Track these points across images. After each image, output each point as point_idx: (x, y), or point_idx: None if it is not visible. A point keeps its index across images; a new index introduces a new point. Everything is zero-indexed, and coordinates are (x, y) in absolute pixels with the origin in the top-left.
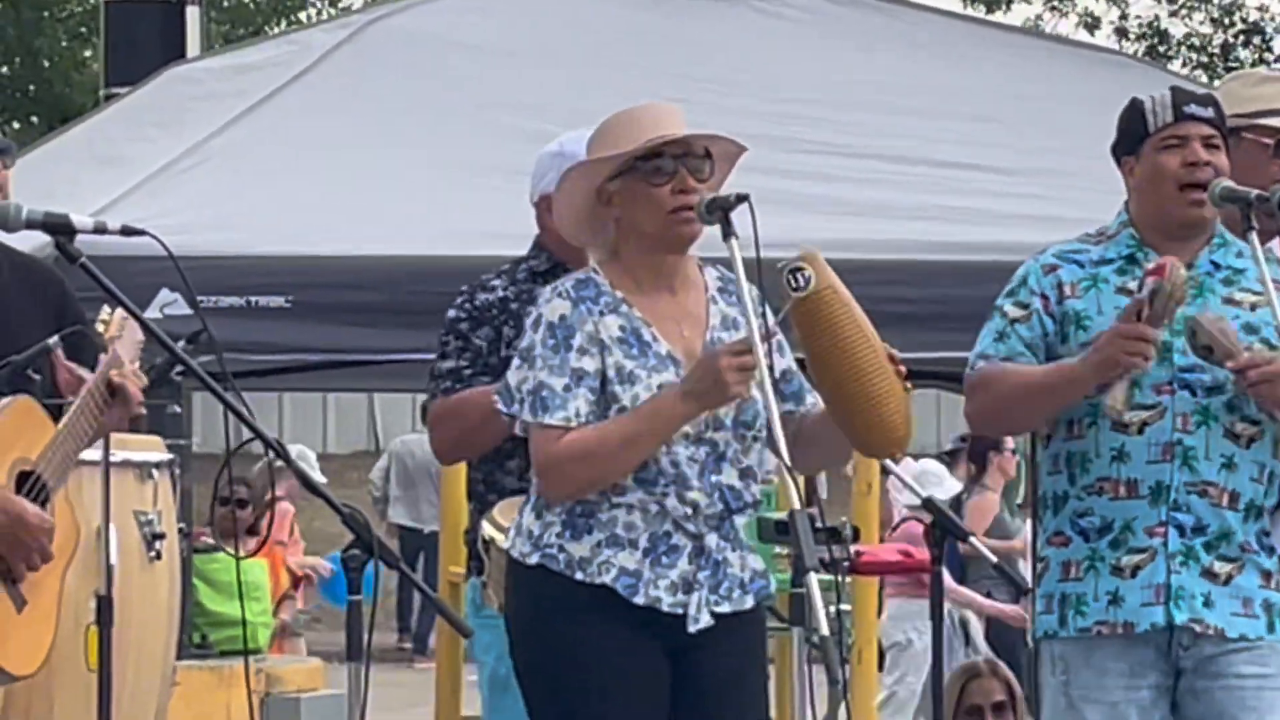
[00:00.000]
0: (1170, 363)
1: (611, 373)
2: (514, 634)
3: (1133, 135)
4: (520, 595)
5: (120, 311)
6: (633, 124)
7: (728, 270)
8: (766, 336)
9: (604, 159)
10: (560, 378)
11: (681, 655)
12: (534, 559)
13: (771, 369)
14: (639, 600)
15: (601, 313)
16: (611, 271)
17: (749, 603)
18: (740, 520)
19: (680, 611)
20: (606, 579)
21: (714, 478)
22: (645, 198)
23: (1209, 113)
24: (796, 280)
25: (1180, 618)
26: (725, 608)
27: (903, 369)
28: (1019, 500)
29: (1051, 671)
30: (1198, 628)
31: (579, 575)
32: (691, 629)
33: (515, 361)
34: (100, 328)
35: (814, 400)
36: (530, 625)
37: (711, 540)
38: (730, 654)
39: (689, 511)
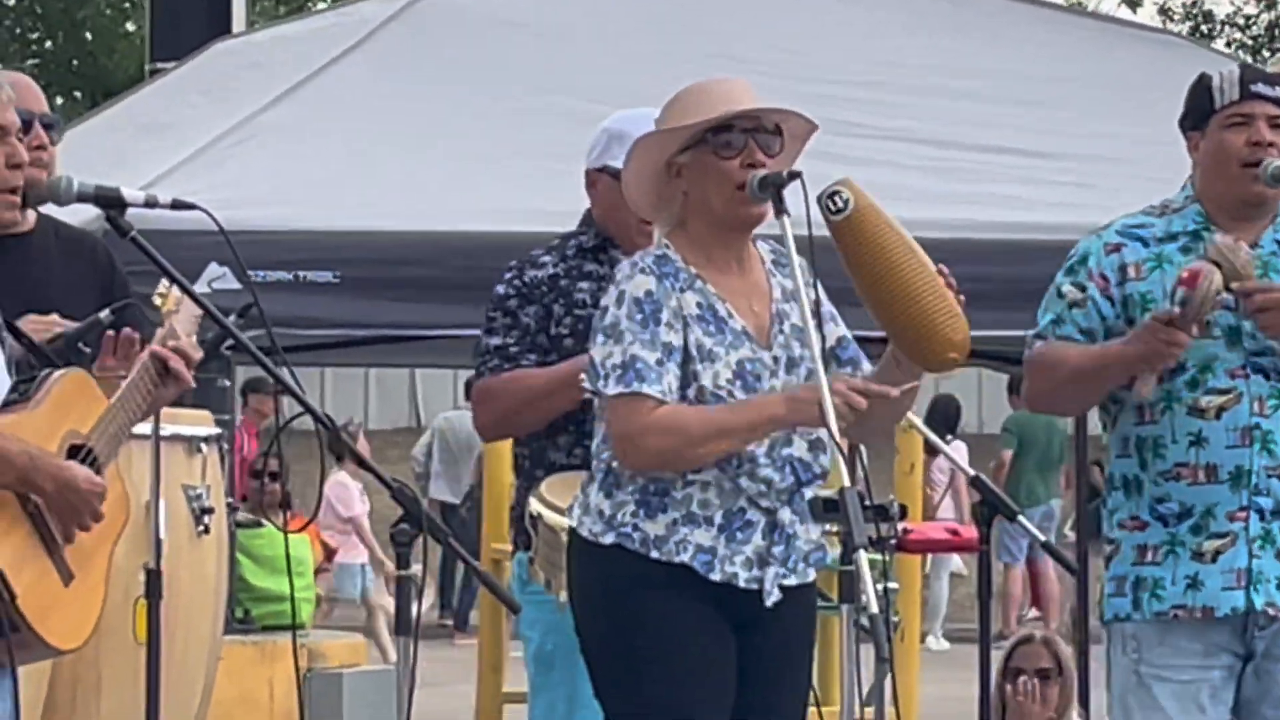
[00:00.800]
0: (1242, 347)
1: (693, 350)
2: (583, 612)
3: (1199, 111)
4: (592, 574)
5: (177, 287)
6: (704, 96)
7: (778, 244)
8: (816, 311)
9: (674, 130)
10: (653, 351)
11: (747, 630)
12: (609, 538)
13: (823, 342)
14: (715, 577)
15: (681, 289)
16: (682, 246)
17: (811, 575)
18: (809, 493)
19: (755, 587)
20: (684, 557)
21: (785, 451)
22: (714, 171)
23: (1277, 92)
24: (835, 203)
25: (1259, 601)
26: (792, 580)
27: (953, 281)
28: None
29: (1122, 650)
30: (1272, 610)
31: (655, 554)
32: (766, 602)
33: (599, 339)
34: (157, 301)
35: (869, 367)
36: (604, 604)
37: (784, 515)
38: (791, 627)
39: (762, 488)
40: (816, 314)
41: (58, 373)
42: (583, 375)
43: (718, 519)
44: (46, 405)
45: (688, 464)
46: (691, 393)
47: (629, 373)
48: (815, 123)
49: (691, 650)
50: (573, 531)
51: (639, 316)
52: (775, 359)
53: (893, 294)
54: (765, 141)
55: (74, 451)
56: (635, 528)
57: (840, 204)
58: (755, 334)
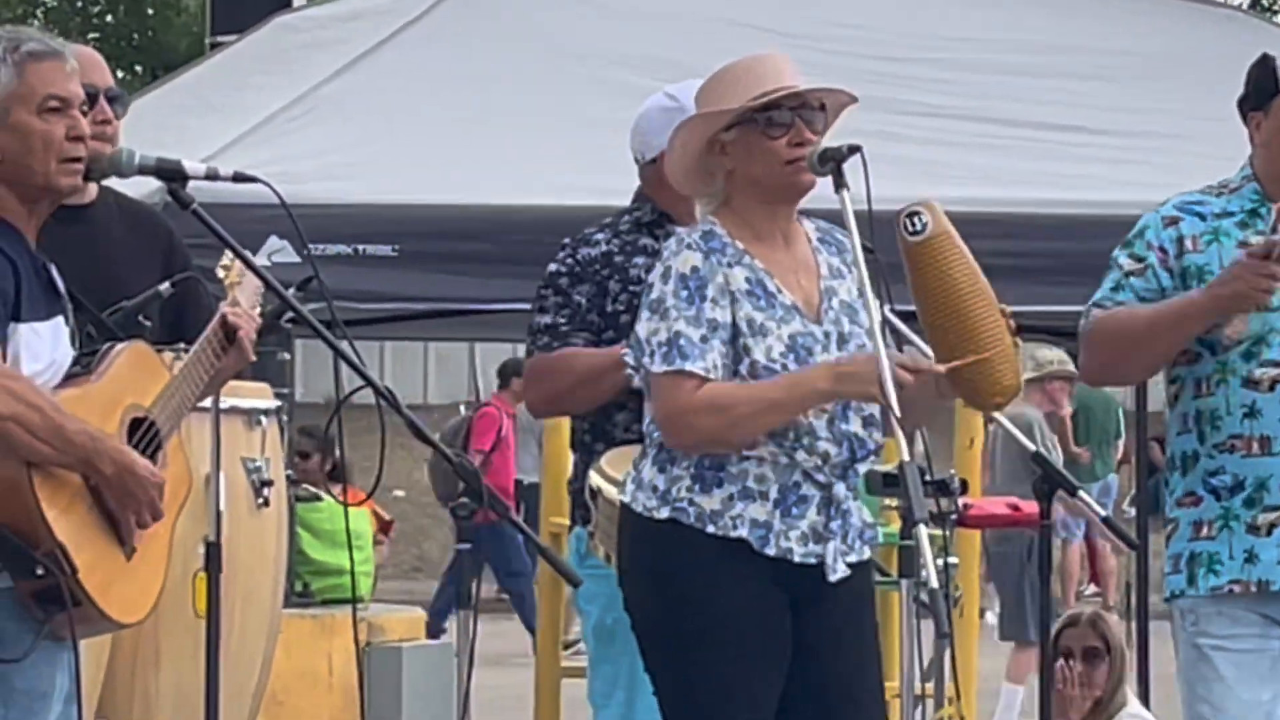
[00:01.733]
0: None
1: (743, 325)
2: (634, 587)
3: (1262, 91)
4: (645, 549)
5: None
6: (748, 74)
7: (825, 221)
8: (879, 293)
9: (721, 111)
10: (697, 328)
11: (804, 607)
12: (663, 513)
13: (885, 320)
14: (770, 552)
15: (729, 265)
16: (728, 222)
17: (867, 552)
18: (862, 469)
19: (813, 561)
20: (740, 532)
21: (842, 426)
22: (761, 149)
23: None
24: (913, 224)
25: None
26: (851, 558)
27: (1013, 323)
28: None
29: (1182, 625)
30: None
31: (710, 528)
32: (831, 578)
33: (644, 315)
34: (221, 274)
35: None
36: (658, 579)
37: (839, 489)
38: (848, 604)
39: (819, 462)
40: (873, 287)
41: (120, 345)
42: (625, 351)
43: (773, 494)
44: (108, 378)
45: (734, 442)
46: (744, 368)
47: (672, 350)
48: (855, 95)
49: (745, 625)
50: (625, 507)
51: (684, 293)
52: (826, 334)
53: (954, 330)
54: (810, 118)
55: (136, 424)
56: (691, 502)
57: (919, 226)
58: (805, 309)
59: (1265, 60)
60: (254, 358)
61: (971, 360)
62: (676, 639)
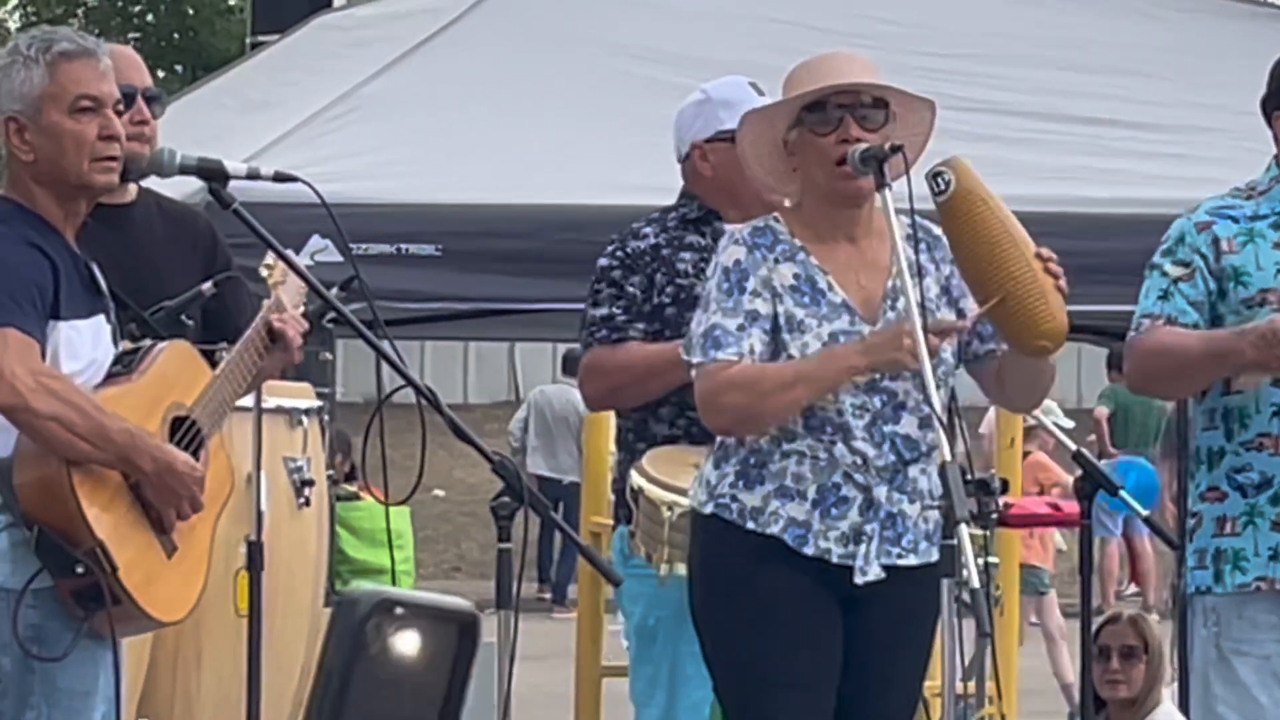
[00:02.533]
0: None
1: (782, 320)
2: (692, 579)
3: None
4: (696, 543)
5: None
6: (809, 73)
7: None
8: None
9: (770, 106)
10: (734, 318)
11: (853, 606)
12: (709, 508)
13: (923, 311)
14: (808, 551)
15: (777, 260)
16: (793, 220)
17: (933, 555)
18: (914, 471)
19: (850, 564)
20: (775, 529)
21: (887, 428)
22: (813, 148)
23: None
24: (938, 184)
25: None
26: (913, 560)
27: (1054, 267)
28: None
29: (1203, 624)
30: None
31: (750, 525)
32: (858, 580)
33: (697, 313)
34: (264, 273)
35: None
36: (706, 572)
37: (881, 492)
38: (908, 607)
39: (858, 461)
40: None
41: (161, 344)
42: (682, 347)
43: (811, 493)
44: (149, 377)
45: (764, 418)
46: (781, 361)
47: (708, 340)
48: (929, 99)
49: (787, 620)
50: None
51: (725, 285)
52: None
53: (987, 276)
54: (864, 115)
55: (178, 423)
56: (734, 498)
57: (942, 185)
58: (860, 307)
59: None
60: (300, 357)
61: (994, 303)
62: (728, 629)
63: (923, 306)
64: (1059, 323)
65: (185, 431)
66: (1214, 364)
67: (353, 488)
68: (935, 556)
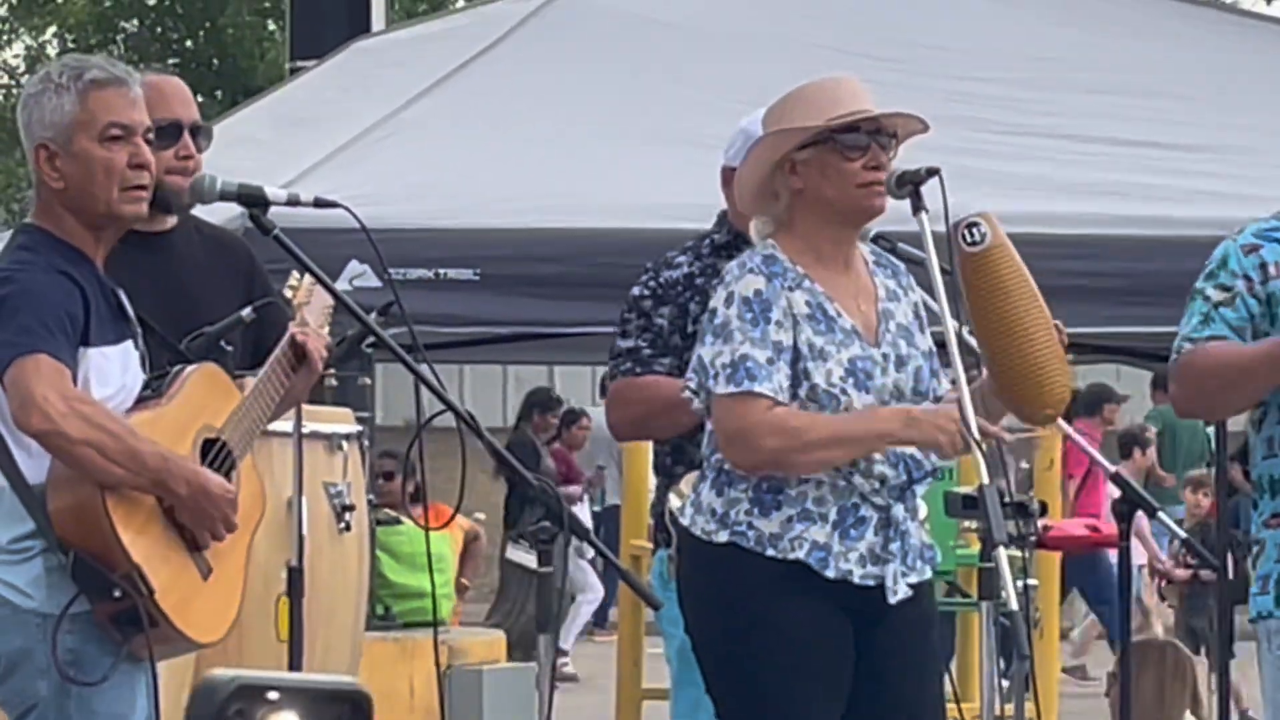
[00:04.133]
0: None
1: (804, 349)
2: (696, 611)
3: None
4: (705, 572)
5: (309, 277)
6: (824, 95)
7: (876, 245)
8: (955, 313)
9: (799, 129)
10: (763, 350)
11: (867, 628)
12: (722, 536)
13: (960, 339)
14: (830, 574)
15: (790, 288)
16: (789, 246)
17: (928, 573)
18: (920, 489)
19: (872, 583)
20: (799, 554)
21: (900, 448)
22: (836, 170)
23: None
24: (972, 235)
25: None
26: (913, 578)
27: (1065, 338)
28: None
29: (1269, 647)
30: None
31: (770, 551)
32: (892, 600)
33: (708, 339)
34: (289, 293)
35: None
36: (719, 603)
37: (898, 511)
38: (912, 625)
39: (877, 485)
40: (950, 309)
41: (190, 368)
42: (689, 375)
43: (832, 515)
44: (179, 400)
45: (796, 468)
46: (803, 391)
47: (739, 371)
48: (928, 124)
49: (808, 648)
50: (684, 531)
51: (749, 315)
52: (885, 356)
53: (1011, 340)
54: (884, 143)
55: (208, 445)
56: (750, 526)
57: (977, 237)
58: (864, 332)
59: None
60: (321, 370)
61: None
62: (739, 662)
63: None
64: (1067, 395)
65: (216, 454)
66: (1268, 372)
67: (416, 511)
68: (930, 574)
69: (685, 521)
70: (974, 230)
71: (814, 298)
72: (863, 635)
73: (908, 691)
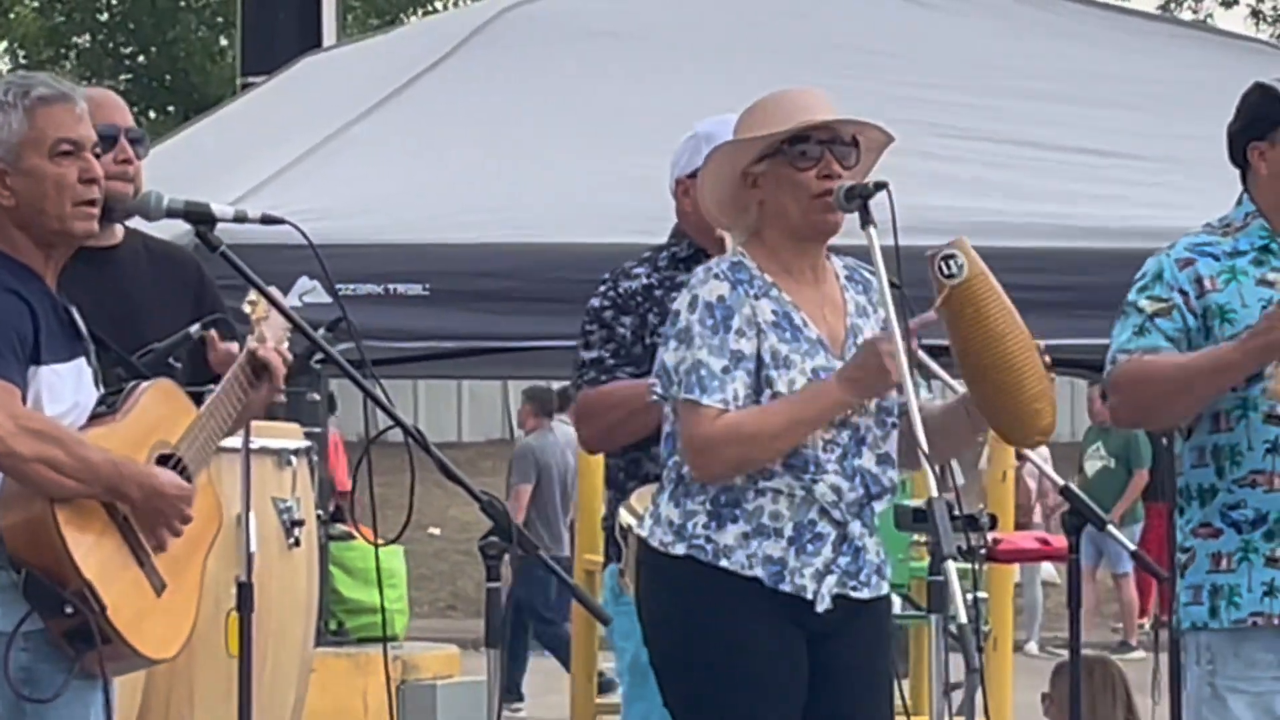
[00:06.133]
0: None
1: (767, 356)
2: (653, 623)
3: (1263, 120)
4: (663, 585)
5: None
6: (780, 106)
7: (855, 258)
8: (905, 330)
9: (750, 140)
10: (719, 359)
11: (820, 642)
12: (679, 549)
13: (911, 355)
14: (785, 588)
15: (756, 296)
16: (757, 255)
17: (884, 588)
18: (879, 506)
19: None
20: (756, 570)
21: (855, 462)
22: (790, 182)
23: None
24: (949, 267)
25: None
26: (865, 594)
27: (1048, 359)
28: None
29: (1196, 661)
30: None
31: (724, 563)
32: (820, 608)
33: (671, 344)
34: (248, 309)
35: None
36: (676, 615)
37: (855, 528)
38: (866, 640)
39: (835, 498)
40: (900, 323)
41: (145, 383)
42: (653, 380)
43: (788, 531)
44: (134, 416)
45: (762, 462)
46: (765, 399)
47: (694, 380)
48: (892, 134)
49: (763, 661)
50: (642, 542)
51: (710, 322)
52: None
53: (994, 369)
54: (841, 153)
55: (163, 461)
56: (708, 539)
57: (954, 269)
58: (830, 343)
59: (1266, 89)
60: (282, 388)
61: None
62: (695, 674)
63: (905, 322)
64: (1054, 418)
65: (171, 468)
66: (1204, 381)
67: (345, 527)
68: (885, 590)
69: (643, 533)
70: (950, 263)
71: (780, 306)
72: (817, 649)
73: (860, 706)
